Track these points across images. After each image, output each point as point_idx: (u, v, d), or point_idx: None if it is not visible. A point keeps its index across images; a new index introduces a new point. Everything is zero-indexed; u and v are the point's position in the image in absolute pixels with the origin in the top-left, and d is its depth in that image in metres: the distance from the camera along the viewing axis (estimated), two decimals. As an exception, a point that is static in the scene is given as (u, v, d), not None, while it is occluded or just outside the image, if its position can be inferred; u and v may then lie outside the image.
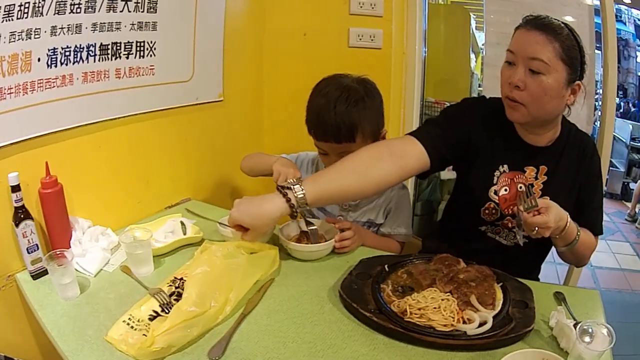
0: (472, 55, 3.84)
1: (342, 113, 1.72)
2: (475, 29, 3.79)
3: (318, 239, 1.72)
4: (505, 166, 1.67)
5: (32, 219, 1.54)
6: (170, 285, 1.46)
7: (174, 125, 2.15)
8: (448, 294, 1.37)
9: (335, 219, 1.87)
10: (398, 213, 1.93)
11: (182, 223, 1.83)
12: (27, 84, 1.52)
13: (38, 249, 1.57)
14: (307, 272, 1.63)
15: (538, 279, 1.87)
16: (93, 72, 1.72)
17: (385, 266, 1.53)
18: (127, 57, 1.83)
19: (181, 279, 1.47)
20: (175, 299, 1.38)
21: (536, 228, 1.43)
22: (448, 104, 2.62)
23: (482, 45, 3.96)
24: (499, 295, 1.39)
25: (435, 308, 1.31)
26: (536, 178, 1.66)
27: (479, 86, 3.76)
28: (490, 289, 1.37)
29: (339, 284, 1.48)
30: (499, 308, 1.33)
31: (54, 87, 1.60)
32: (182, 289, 1.39)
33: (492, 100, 1.73)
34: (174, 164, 2.20)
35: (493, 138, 1.68)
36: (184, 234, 1.80)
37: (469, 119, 1.70)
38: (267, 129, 2.78)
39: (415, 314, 1.31)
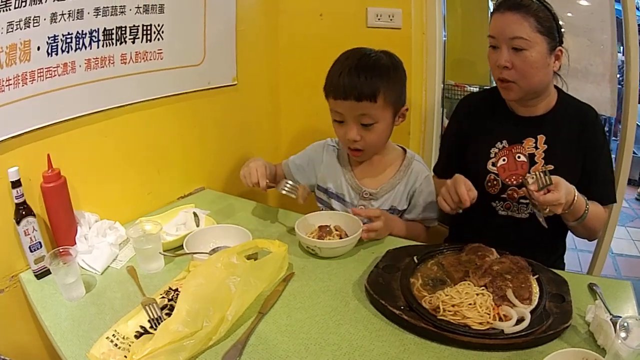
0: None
1: (366, 70, 1.65)
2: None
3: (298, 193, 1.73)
4: (505, 142, 1.76)
5: (34, 215, 1.48)
6: (163, 297, 1.35)
7: (185, 111, 2.08)
8: (483, 287, 1.29)
9: (361, 208, 1.80)
10: (424, 196, 1.84)
11: (194, 214, 1.75)
12: (26, 75, 1.46)
13: (41, 246, 1.51)
14: (329, 266, 1.55)
15: (563, 260, 1.91)
16: (97, 58, 1.66)
17: (415, 257, 1.45)
18: (133, 42, 1.76)
19: (176, 290, 1.37)
20: (167, 313, 1.27)
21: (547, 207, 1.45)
22: (468, 87, 2.95)
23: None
24: (535, 288, 1.31)
25: (470, 304, 1.22)
26: (536, 147, 1.72)
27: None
28: (526, 282, 1.30)
29: (365, 279, 1.40)
30: (535, 302, 1.26)
31: (55, 75, 1.54)
32: (176, 302, 1.25)
33: (479, 92, 2.01)
34: (187, 152, 2.13)
35: (487, 121, 1.81)
36: (197, 225, 1.72)
37: (458, 119, 1.92)
38: (284, 114, 2.70)
39: (449, 311, 1.22)
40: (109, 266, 1.55)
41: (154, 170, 1.99)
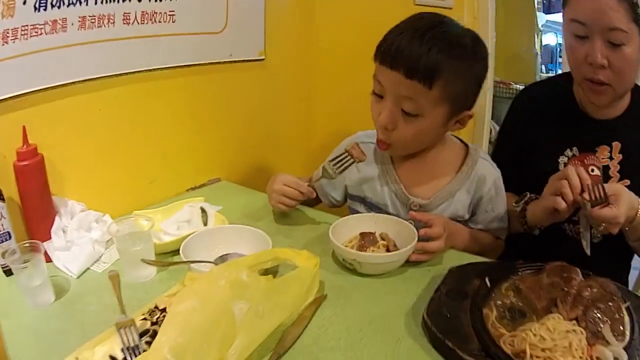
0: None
1: (435, 41, 1.27)
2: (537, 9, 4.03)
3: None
4: (575, 149, 1.53)
5: (3, 199, 1.26)
6: (145, 319, 1.06)
7: (200, 86, 1.86)
8: (574, 321, 1.04)
9: (420, 213, 1.46)
10: (494, 204, 1.52)
11: (202, 210, 1.50)
12: (7, 32, 1.28)
13: (10, 237, 1.29)
14: (373, 287, 1.25)
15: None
16: (93, 16, 1.46)
17: (487, 280, 1.16)
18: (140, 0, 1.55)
19: (164, 310, 1.07)
20: (147, 342, 0.98)
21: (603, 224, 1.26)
22: (514, 84, 2.81)
23: (542, 25, 4.38)
24: (626, 318, 1.08)
25: (564, 347, 0.97)
26: (611, 158, 1.51)
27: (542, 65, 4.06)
28: (619, 312, 1.07)
29: (422, 308, 1.10)
30: (628, 338, 1.03)
31: (41, 34, 1.35)
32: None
33: (540, 83, 1.75)
34: (201, 135, 1.91)
35: (553, 122, 1.57)
36: (205, 224, 1.46)
37: (517, 119, 1.69)
38: (317, 98, 2.47)
39: (538, 357, 0.96)
40: (88, 268, 1.31)
41: (158, 154, 1.76)
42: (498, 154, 1.70)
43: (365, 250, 1.31)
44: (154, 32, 1.62)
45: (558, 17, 4.70)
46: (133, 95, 1.63)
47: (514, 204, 1.49)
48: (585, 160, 1.49)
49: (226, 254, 1.30)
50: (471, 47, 1.32)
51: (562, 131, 1.55)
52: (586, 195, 1.23)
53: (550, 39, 4.93)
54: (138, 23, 1.56)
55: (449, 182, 1.48)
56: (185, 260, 1.22)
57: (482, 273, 1.19)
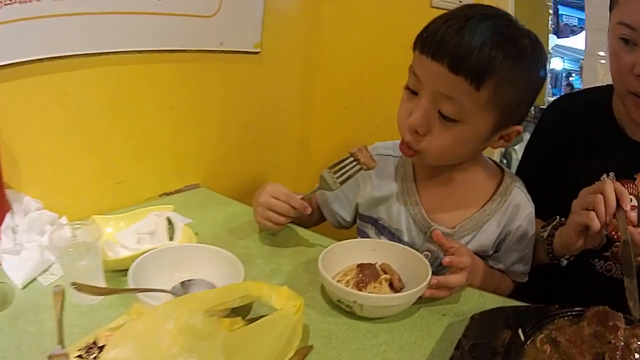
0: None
1: (489, 35, 1.09)
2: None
3: None
4: (612, 174, 1.36)
5: None
6: (80, 356, 0.85)
7: (184, 76, 1.67)
8: None
9: (446, 237, 1.24)
10: (523, 241, 1.32)
11: (169, 221, 1.28)
12: None
13: None
14: (373, 336, 1.02)
15: None
16: None
17: (520, 332, 0.97)
18: (119, -32, 1.36)
19: (102, 348, 0.86)
20: None
21: None
22: None
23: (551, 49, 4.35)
24: None
25: None
26: None
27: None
28: None
29: None
30: None
31: None
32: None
33: (576, 93, 1.63)
34: (179, 133, 1.72)
35: (589, 142, 1.41)
36: (170, 238, 1.25)
37: (548, 134, 1.52)
38: (319, 101, 2.30)
39: None
40: (35, 279, 1.11)
41: (128, 152, 1.58)
42: (522, 175, 1.49)
43: (366, 287, 1.10)
44: (133, 9, 1.43)
45: (567, 42, 4.79)
46: (104, 80, 1.45)
47: (540, 229, 1.31)
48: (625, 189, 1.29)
49: (190, 280, 1.09)
50: (531, 50, 1.14)
51: (598, 153, 1.39)
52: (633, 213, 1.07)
53: (557, 63, 4.93)
54: (117, -4, 1.37)
55: (479, 211, 1.29)
56: (132, 287, 0.99)
57: (512, 322, 0.99)
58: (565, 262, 1.24)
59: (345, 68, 2.18)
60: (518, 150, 3.27)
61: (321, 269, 1.07)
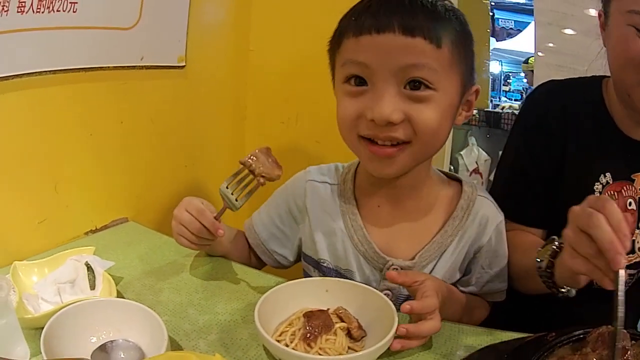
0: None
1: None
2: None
3: None
4: (608, 175, 1.30)
5: None
6: None
7: (103, 98, 1.54)
8: None
9: (403, 273, 1.11)
10: (495, 258, 1.21)
11: (88, 266, 1.14)
12: None
13: None
14: None
15: None
16: None
17: None
18: (36, -17, 1.24)
19: None
20: None
21: None
22: None
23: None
24: None
25: None
26: None
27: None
28: None
29: None
30: None
31: None
32: None
33: (553, 87, 1.41)
34: (103, 162, 1.59)
35: (581, 140, 1.33)
36: (92, 287, 1.11)
37: (539, 133, 1.36)
38: (253, 117, 2.22)
39: None
40: None
41: (49, 185, 1.43)
42: (502, 179, 1.44)
43: (316, 340, 0.93)
44: (51, 24, 1.31)
45: (505, 45, 4.98)
46: (18, 105, 1.32)
47: (537, 259, 1.07)
48: (623, 191, 1.28)
49: (111, 342, 0.95)
50: (459, 11, 1.08)
51: (592, 152, 1.32)
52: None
53: (495, 67, 5.12)
54: (33, 12, 1.25)
55: (439, 233, 1.17)
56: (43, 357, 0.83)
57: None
58: (574, 292, 1.06)
59: (279, 80, 2.10)
60: (464, 155, 3.29)
61: (257, 323, 0.91)
